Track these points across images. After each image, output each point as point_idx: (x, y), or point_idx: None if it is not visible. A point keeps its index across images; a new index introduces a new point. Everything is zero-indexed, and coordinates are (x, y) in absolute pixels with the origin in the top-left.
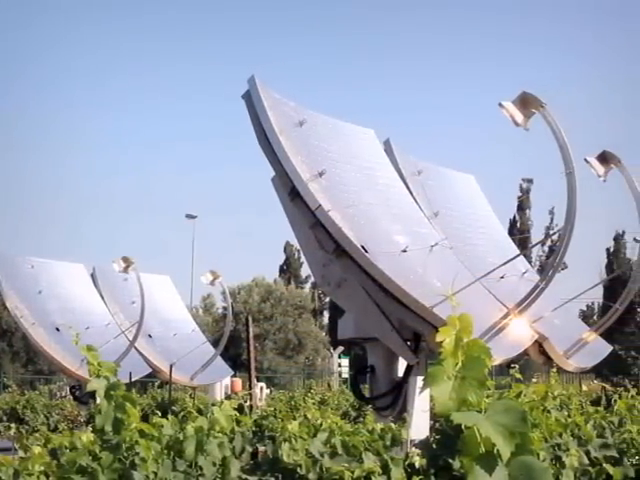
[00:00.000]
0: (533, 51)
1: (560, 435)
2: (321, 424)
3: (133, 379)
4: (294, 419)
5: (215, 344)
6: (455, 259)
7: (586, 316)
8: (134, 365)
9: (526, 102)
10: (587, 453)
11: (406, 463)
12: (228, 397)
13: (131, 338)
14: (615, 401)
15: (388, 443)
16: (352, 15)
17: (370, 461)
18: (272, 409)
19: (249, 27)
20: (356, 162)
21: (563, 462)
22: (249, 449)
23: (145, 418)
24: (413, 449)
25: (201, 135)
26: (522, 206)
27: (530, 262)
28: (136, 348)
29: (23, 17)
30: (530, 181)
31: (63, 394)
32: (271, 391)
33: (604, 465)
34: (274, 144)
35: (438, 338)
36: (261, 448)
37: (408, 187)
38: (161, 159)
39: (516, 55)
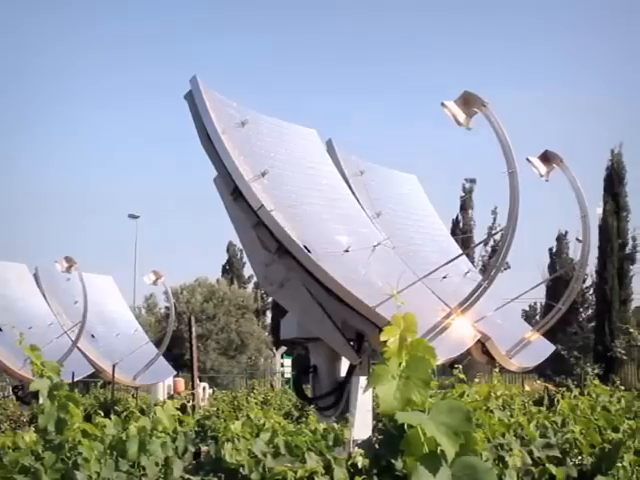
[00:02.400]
0: (478, 50)
1: (503, 435)
2: (264, 424)
3: (76, 379)
4: (237, 419)
5: (158, 344)
6: (398, 259)
7: (529, 316)
8: (77, 365)
9: (468, 101)
10: (530, 453)
11: (349, 463)
12: (171, 397)
13: (74, 338)
14: (558, 401)
15: (331, 443)
16: (294, 17)
17: (313, 461)
18: (215, 409)
19: (189, 29)
20: (299, 162)
21: (506, 462)
22: (192, 449)
23: (88, 418)
24: (356, 449)
25: (144, 135)
26: (464, 206)
27: (473, 262)
28: (79, 348)
29: None
30: (473, 181)
31: (5, 394)
32: (214, 391)
33: (547, 465)
34: (216, 144)
35: (382, 337)
36: (204, 448)
37: (350, 187)
38: (104, 159)
39: (461, 54)
